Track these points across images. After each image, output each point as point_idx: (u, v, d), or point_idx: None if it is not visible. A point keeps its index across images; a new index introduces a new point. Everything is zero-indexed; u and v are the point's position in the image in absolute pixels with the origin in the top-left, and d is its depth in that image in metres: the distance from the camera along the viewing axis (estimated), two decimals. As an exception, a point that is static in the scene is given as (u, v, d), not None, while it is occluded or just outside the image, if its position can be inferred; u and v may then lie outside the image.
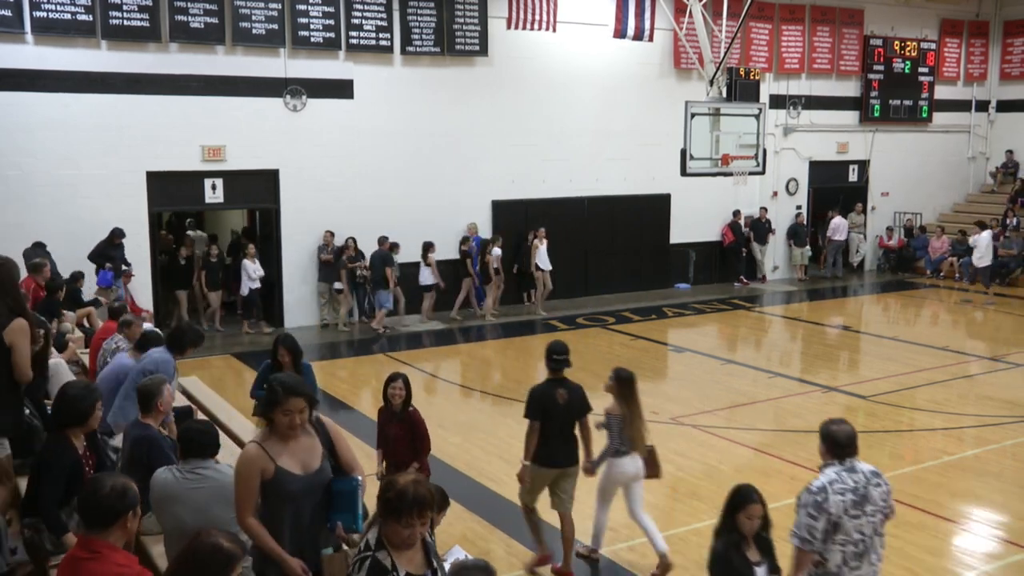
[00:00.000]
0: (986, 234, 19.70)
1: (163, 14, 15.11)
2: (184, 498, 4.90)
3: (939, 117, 24.42)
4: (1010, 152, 24.76)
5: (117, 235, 14.58)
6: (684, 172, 15.48)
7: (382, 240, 16.53)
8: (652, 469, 7.66)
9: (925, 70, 23.93)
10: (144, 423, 5.99)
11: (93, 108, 14.90)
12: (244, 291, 16.40)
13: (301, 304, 16.98)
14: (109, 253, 14.43)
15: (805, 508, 5.15)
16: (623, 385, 7.56)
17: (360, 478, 4.81)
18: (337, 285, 16.63)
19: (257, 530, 4.55)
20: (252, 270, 16.27)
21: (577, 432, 7.41)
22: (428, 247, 17.01)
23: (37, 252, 13.07)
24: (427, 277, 17.08)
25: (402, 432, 7.39)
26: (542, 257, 17.93)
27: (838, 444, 5.27)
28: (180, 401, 8.90)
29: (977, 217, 23.45)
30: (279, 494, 4.57)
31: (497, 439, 10.79)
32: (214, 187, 16.11)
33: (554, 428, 7.27)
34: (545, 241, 18.02)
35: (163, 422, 6.28)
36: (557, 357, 7.47)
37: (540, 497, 7.44)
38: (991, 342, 16.51)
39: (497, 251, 17.52)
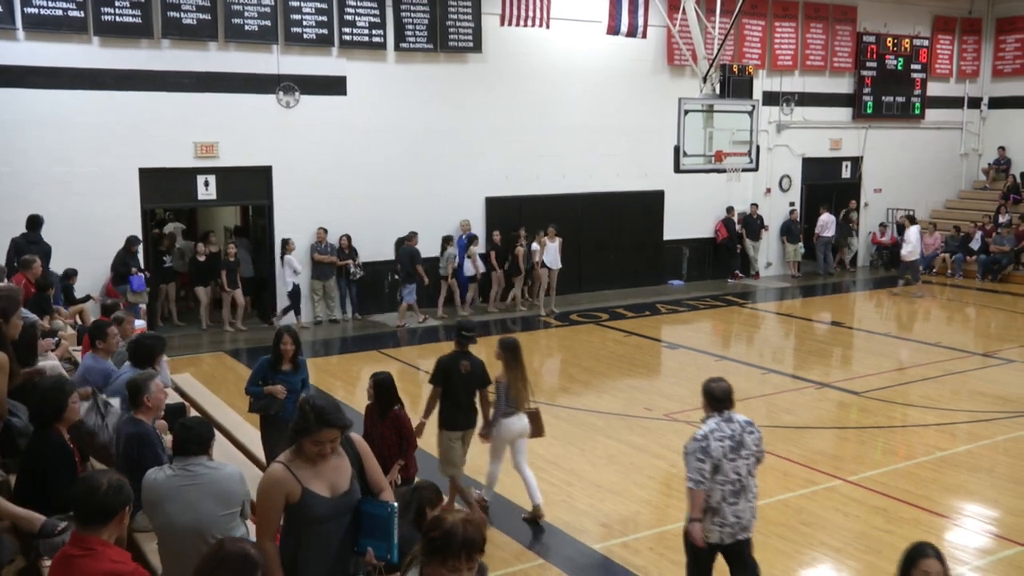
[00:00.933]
0: (914, 228, 19.92)
1: (155, 10, 15.05)
2: (175, 495, 4.88)
3: (932, 114, 24.48)
4: (1002, 149, 24.82)
5: (133, 243, 14.87)
6: (677, 168, 15.48)
7: (410, 236, 16.78)
8: (536, 429, 8.50)
9: (918, 67, 23.98)
10: (136, 419, 5.97)
11: (85, 105, 14.84)
12: (289, 286, 16.50)
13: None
14: (127, 260, 14.74)
15: (693, 455, 6.08)
16: (508, 353, 8.30)
17: (395, 504, 4.56)
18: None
19: (271, 557, 4.31)
20: (295, 265, 16.43)
21: (478, 403, 8.31)
22: (472, 240, 17.76)
23: (30, 238, 13.03)
24: (468, 268, 17.73)
25: (389, 432, 7.48)
26: (550, 255, 17.84)
27: (716, 399, 6.30)
28: (173, 398, 8.87)
29: (971, 214, 23.61)
30: (305, 517, 4.38)
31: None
32: (207, 184, 16.06)
33: (458, 396, 8.17)
34: (558, 239, 17.85)
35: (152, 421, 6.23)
36: (465, 333, 8.36)
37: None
38: (983, 338, 16.56)
39: (473, 249, 17.81)
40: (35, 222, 13.22)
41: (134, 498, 4.14)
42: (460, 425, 8.22)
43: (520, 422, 8.32)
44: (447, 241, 17.56)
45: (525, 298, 18.46)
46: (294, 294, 16.53)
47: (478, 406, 8.32)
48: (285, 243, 16.50)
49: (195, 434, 5.20)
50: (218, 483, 5.00)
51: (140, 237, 15.14)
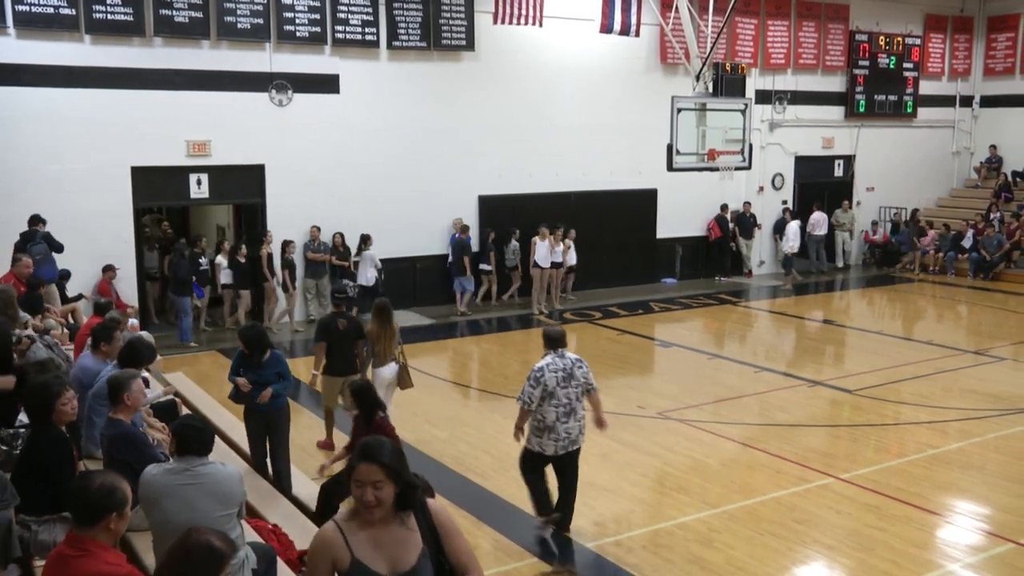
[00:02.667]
0: (794, 223, 20.02)
1: (147, 8, 15.00)
2: (174, 494, 4.88)
3: (924, 112, 24.55)
4: (993, 147, 24.91)
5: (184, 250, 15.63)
6: (671, 167, 15.50)
7: (464, 228, 17.55)
8: (403, 381, 9.97)
9: (910, 65, 24.04)
10: (116, 419, 5.94)
11: (77, 102, 14.79)
12: (370, 281, 16.69)
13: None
14: (189, 268, 15.31)
15: (529, 381, 7.68)
16: (377, 311, 9.83)
17: None
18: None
19: None
20: (374, 260, 16.75)
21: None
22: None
23: (29, 238, 13.08)
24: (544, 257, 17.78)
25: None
26: (541, 254, 17.81)
27: (552, 340, 7.95)
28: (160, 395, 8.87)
29: (962, 212, 23.68)
30: None
31: (483, 434, 10.80)
32: (199, 182, 16.03)
33: (337, 348, 9.71)
34: (548, 239, 17.80)
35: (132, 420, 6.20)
36: (338, 296, 10.30)
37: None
38: (975, 336, 16.62)
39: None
40: (31, 221, 13.24)
41: (130, 502, 4.09)
42: (339, 372, 9.74)
43: (390, 371, 9.79)
44: (496, 236, 18.04)
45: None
46: (373, 289, 16.67)
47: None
48: (365, 239, 16.81)
49: (198, 435, 5.20)
50: (219, 483, 5.00)
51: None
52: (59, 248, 13.28)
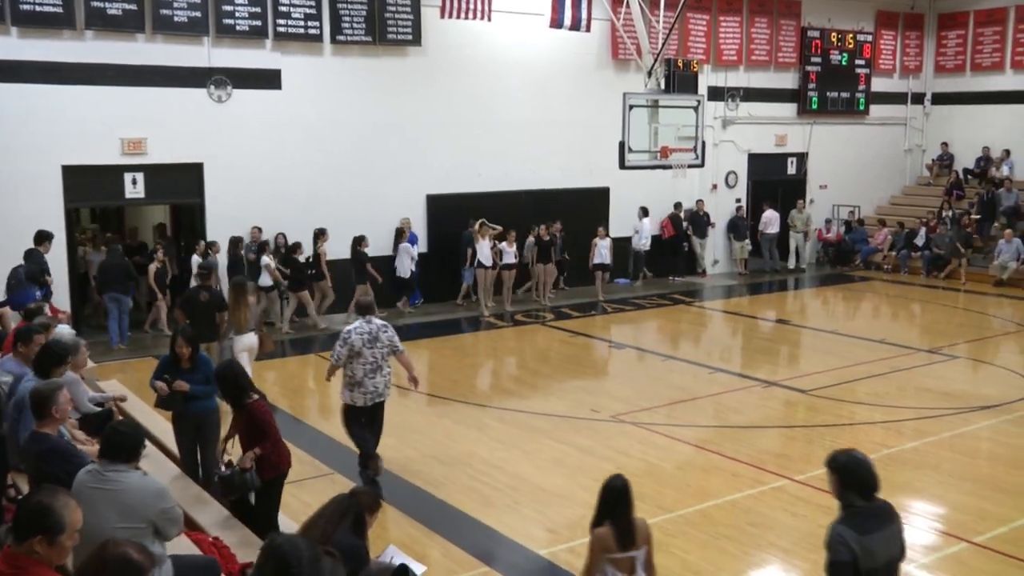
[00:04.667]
0: (647, 220, 20.51)
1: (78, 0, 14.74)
2: (83, 497, 4.71)
3: (876, 109, 24.98)
4: (945, 144, 25.42)
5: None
6: (623, 165, 15.56)
7: (471, 222, 17.80)
8: (263, 346, 11.94)
9: (862, 62, 24.44)
10: (41, 433, 5.78)
11: (4, 99, 14.45)
12: (406, 273, 17.54)
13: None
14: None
15: (338, 341, 9.21)
16: (233, 288, 11.80)
17: None
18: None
19: None
20: (411, 252, 17.56)
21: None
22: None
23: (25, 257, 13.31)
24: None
25: (244, 423, 7.26)
26: (483, 253, 17.78)
27: (361, 307, 9.52)
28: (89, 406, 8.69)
29: (915, 210, 24.12)
30: None
31: (432, 440, 10.74)
32: (134, 181, 15.75)
33: (200, 317, 11.23)
34: (487, 237, 17.82)
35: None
36: (203, 270, 12.40)
37: None
38: (929, 334, 16.93)
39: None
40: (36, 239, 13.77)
41: (68, 530, 3.94)
42: (204, 339, 10.56)
43: (249, 339, 11.50)
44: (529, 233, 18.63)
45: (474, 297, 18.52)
46: (412, 280, 17.61)
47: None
48: (400, 232, 17.48)
49: (123, 440, 5.07)
50: (126, 494, 4.86)
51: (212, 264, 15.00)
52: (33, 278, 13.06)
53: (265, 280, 16.20)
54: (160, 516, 5.01)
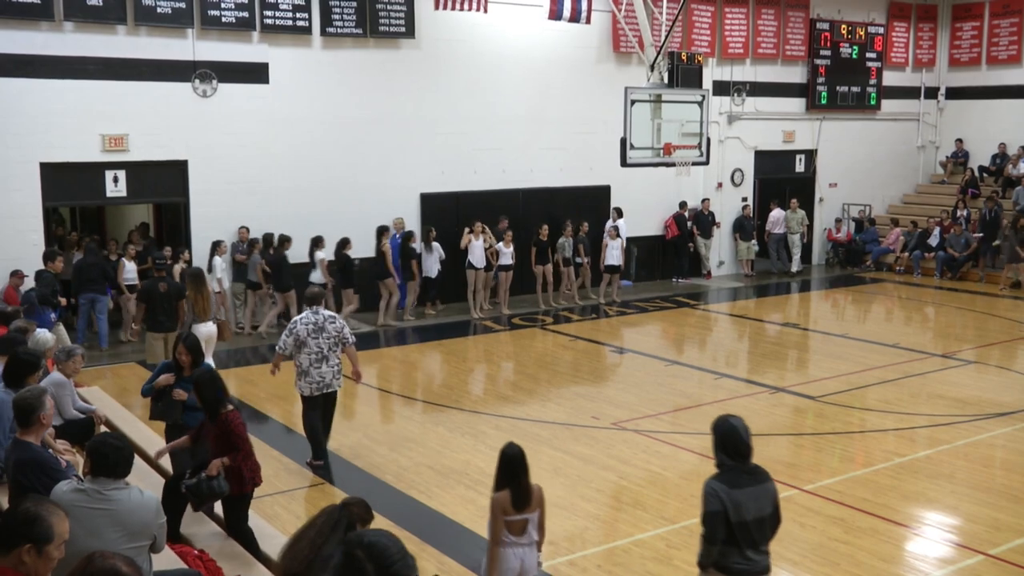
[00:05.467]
0: (622, 222, 20.34)
1: (57, -10, 14.77)
2: (80, 517, 4.76)
3: (887, 104, 25.01)
4: (960, 141, 25.43)
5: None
6: (624, 162, 15.56)
7: (500, 219, 18.51)
8: (222, 335, 12.45)
9: (873, 55, 24.48)
10: (24, 441, 5.79)
11: (-21, 93, 14.49)
12: (432, 273, 17.85)
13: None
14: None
15: (284, 331, 9.99)
16: (191, 278, 12.29)
17: None
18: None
19: None
20: (439, 252, 17.84)
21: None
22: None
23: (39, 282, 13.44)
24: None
25: (215, 434, 7.24)
26: (475, 254, 17.84)
27: (308, 299, 10.13)
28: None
29: (929, 209, 24.15)
30: None
31: (427, 448, 10.76)
32: (116, 179, 15.75)
33: (160, 307, 12.18)
34: (483, 237, 17.92)
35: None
36: (160, 263, 14.18)
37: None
38: (942, 338, 16.97)
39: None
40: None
41: (55, 541, 3.96)
42: (162, 328, 12.21)
43: (208, 328, 11.81)
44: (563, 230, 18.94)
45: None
46: (437, 281, 17.96)
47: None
48: (428, 232, 17.83)
49: (115, 454, 5.06)
50: (132, 512, 4.88)
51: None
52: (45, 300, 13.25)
53: (253, 278, 16.28)
54: (159, 530, 5.07)
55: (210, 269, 15.88)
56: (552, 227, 18.81)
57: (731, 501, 5.48)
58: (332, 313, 10.19)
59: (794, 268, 23.21)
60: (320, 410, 10.03)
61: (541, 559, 6.42)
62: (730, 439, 5.77)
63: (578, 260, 19.31)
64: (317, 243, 16.65)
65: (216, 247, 16.20)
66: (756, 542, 5.58)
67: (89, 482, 4.98)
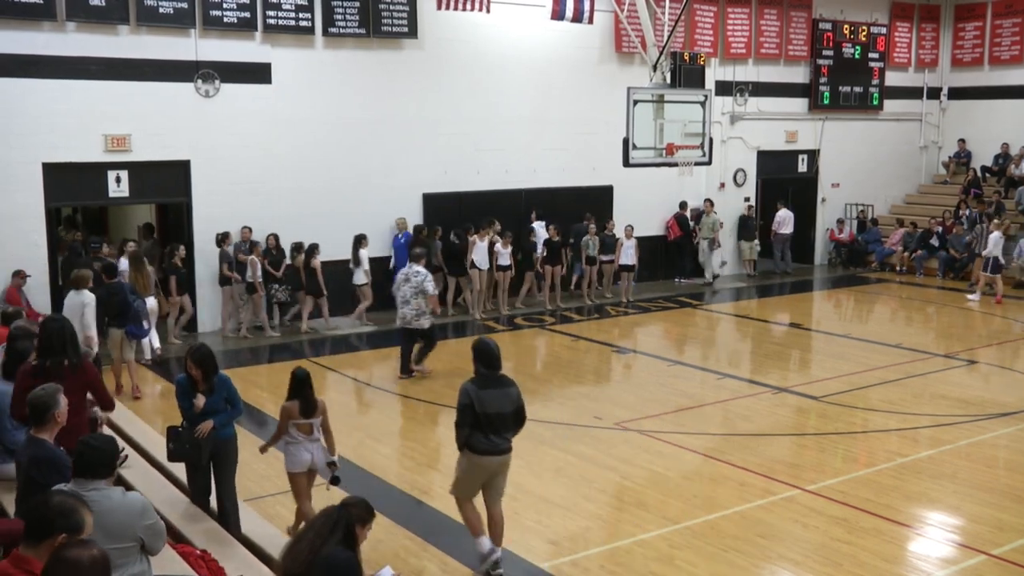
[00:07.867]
0: (538, 225, 20.03)
1: (59, -10, 14.77)
2: None
3: (890, 104, 25.00)
4: (962, 141, 25.41)
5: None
6: (627, 163, 15.56)
7: (536, 215, 18.91)
8: (161, 309, 14.39)
9: (875, 55, 24.47)
10: (39, 439, 5.80)
11: (-18, 93, 14.50)
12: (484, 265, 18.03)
13: (216, 307, 16.64)
14: None
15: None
16: (131, 260, 13.94)
17: None
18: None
19: None
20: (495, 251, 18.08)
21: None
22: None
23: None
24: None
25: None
26: (480, 254, 17.82)
27: (415, 256, 13.22)
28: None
29: (931, 209, 24.12)
30: None
31: (428, 448, 10.75)
32: (118, 180, 15.75)
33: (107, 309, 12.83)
34: (487, 238, 17.90)
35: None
36: (110, 265, 13.92)
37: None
38: (945, 339, 16.94)
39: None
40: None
41: (84, 533, 4.08)
42: (126, 327, 12.93)
43: (150, 301, 13.63)
44: (585, 229, 18.97)
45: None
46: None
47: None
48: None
49: (98, 455, 5.06)
50: (110, 513, 4.86)
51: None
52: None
53: (249, 278, 16.15)
54: (146, 532, 5.03)
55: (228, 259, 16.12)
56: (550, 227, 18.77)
57: (477, 398, 7.27)
58: (419, 269, 13.14)
59: (789, 268, 23.28)
60: (410, 342, 13.53)
61: (333, 458, 7.77)
62: (484, 354, 7.50)
63: (603, 258, 19.32)
64: (360, 241, 16.89)
65: (223, 239, 16.17)
66: (498, 430, 7.32)
67: (75, 484, 4.98)
